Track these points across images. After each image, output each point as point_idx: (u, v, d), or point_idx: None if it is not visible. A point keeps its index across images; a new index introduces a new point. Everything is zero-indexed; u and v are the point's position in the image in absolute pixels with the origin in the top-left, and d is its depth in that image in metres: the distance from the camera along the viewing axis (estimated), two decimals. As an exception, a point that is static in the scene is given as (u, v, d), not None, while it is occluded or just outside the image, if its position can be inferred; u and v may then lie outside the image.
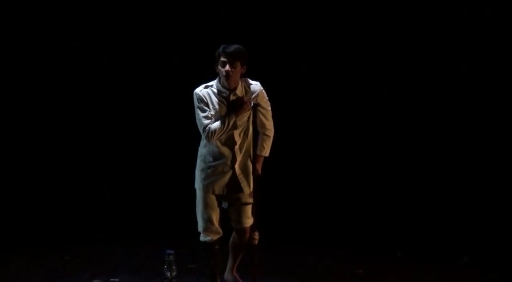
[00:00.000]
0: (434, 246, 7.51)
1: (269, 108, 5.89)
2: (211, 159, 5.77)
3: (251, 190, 5.83)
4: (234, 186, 5.79)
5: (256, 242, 5.85)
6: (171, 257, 5.96)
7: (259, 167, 5.92)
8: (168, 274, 5.94)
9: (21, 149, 8.23)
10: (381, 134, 8.02)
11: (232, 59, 5.62)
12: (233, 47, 5.66)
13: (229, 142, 5.75)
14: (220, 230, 5.83)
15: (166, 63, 8.19)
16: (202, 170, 5.81)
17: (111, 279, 6.49)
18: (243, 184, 5.80)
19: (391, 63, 7.94)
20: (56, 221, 8.12)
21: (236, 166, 5.77)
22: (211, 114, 5.70)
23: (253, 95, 5.76)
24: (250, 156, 5.82)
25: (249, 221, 5.87)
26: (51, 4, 8.16)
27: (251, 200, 5.85)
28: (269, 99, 6.70)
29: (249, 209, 5.86)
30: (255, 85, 5.80)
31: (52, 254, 7.38)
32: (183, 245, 6.82)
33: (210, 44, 7.03)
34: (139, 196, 8.21)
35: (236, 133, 5.74)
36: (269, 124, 5.88)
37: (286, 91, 8.11)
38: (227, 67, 5.62)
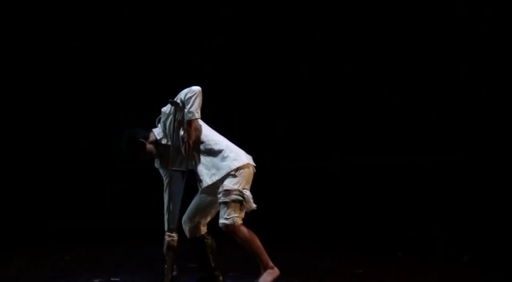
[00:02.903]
0: (435, 245, 7.51)
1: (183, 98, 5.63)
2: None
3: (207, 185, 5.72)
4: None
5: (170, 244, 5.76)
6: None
7: (188, 130, 5.63)
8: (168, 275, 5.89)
9: (21, 149, 8.24)
10: (381, 134, 8.03)
11: (136, 158, 5.75)
12: (126, 153, 5.75)
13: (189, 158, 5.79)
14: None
15: (163, 64, 8.20)
16: None
17: (112, 279, 6.48)
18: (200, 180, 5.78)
19: (390, 63, 7.95)
20: (56, 220, 8.13)
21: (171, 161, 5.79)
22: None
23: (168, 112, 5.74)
24: (197, 157, 5.75)
25: (220, 220, 5.71)
26: (43, 6, 8.18)
27: (222, 199, 5.67)
28: (268, 98, 6.71)
29: (221, 208, 5.74)
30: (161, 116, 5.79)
31: (52, 254, 7.37)
32: (184, 244, 6.79)
33: (208, 43, 7.07)
34: (140, 195, 8.21)
35: (180, 155, 5.76)
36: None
37: (285, 90, 8.13)
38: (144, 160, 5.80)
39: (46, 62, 8.28)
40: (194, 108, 5.58)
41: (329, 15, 8.06)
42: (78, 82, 8.30)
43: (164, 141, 5.75)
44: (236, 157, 5.74)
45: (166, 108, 5.75)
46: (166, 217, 5.81)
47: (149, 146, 5.76)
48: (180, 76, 7.94)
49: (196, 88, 5.61)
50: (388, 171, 7.99)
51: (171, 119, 5.70)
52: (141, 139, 5.73)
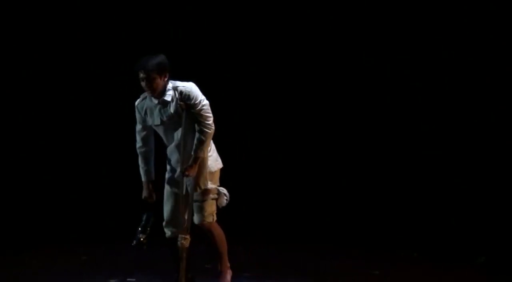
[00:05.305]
0: (451, 246, 7.50)
1: (198, 107, 5.62)
2: (168, 156, 5.86)
3: (196, 188, 5.76)
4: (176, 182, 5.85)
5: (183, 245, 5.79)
6: (148, 218, 5.95)
7: (192, 166, 5.67)
8: (140, 236, 5.91)
9: (35, 150, 8.28)
10: (387, 135, 8.03)
11: (146, 74, 5.60)
12: (145, 62, 5.61)
13: (172, 141, 5.77)
14: (174, 227, 5.87)
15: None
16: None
17: (128, 279, 6.50)
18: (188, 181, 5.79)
19: (388, 62, 7.96)
20: (73, 220, 8.16)
21: (180, 164, 5.74)
22: (146, 126, 5.79)
23: (177, 97, 5.68)
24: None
25: (197, 217, 5.81)
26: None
27: (200, 197, 5.78)
28: (264, 98, 6.67)
29: (198, 206, 5.80)
30: (181, 87, 5.70)
31: (69, 254, 7.41)
32: (201, 243, 6.80)
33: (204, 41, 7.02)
34: (157, 195, 8.23)
35: (170, 132, 5.75)
36: (200, 123, 5.62)
37: (285, 88, 8.14)
38: (144, 83, 5.63)
39: (45, 62, 8.35)
40: (202, 149, 5.64)
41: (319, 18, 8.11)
42: (83, 85, 8.36)
43: (168, 97, 5.69)
44: (217, 158, 5.90)
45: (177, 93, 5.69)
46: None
47: (165, 81, 5.68)
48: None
49: (208, 133, 5.63)
50: (405, 172, 7.98)
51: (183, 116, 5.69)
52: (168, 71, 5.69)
